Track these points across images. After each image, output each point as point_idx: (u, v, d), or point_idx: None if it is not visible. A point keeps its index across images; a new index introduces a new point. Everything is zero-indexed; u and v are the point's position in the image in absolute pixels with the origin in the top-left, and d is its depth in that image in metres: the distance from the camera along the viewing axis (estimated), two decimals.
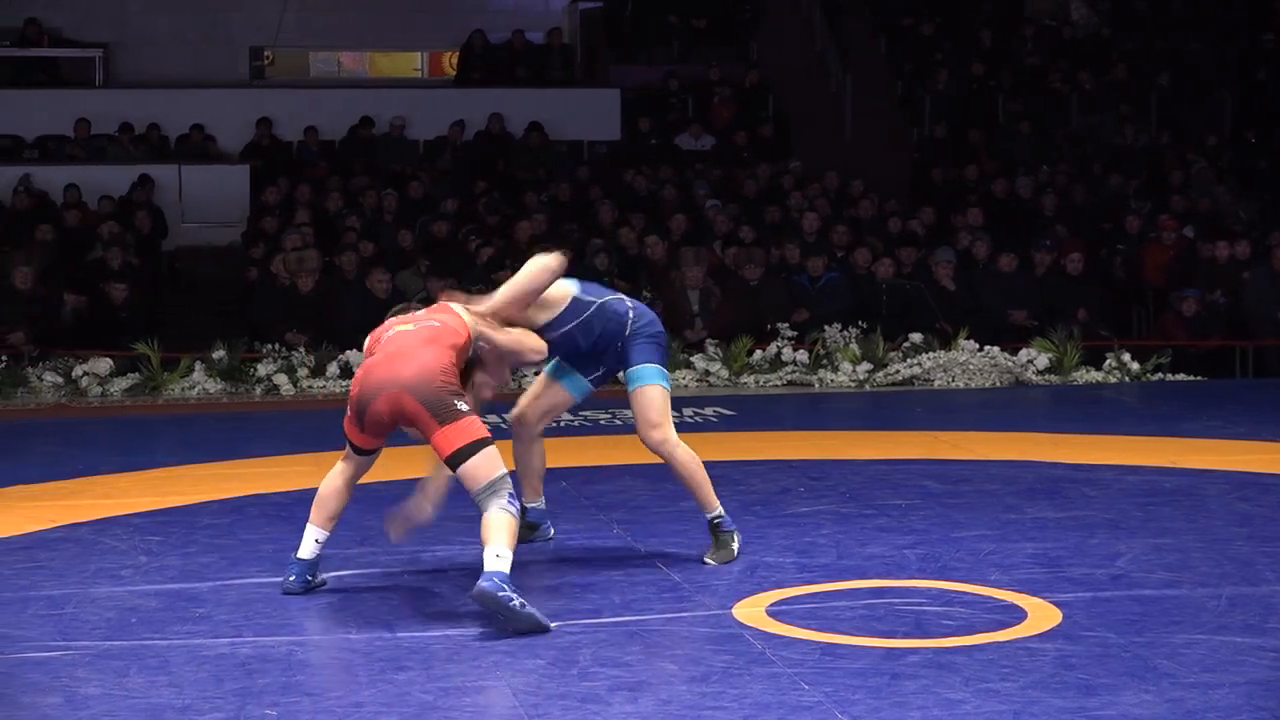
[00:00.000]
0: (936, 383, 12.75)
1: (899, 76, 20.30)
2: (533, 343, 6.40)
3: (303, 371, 12.67)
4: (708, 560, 6.59)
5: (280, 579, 6.27)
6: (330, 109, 18.92)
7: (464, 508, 7.55)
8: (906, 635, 5.52)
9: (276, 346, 12.93)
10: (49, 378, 12.48)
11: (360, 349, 12.59)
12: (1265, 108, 19.73)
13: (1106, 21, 21.15)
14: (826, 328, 13.22)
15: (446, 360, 5.97)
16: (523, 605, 5.57)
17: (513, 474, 6.01)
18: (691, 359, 12.98)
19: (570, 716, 4.77)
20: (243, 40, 21.30)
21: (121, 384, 12.51)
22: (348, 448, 6.24)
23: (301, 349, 12.89)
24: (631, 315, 6.67)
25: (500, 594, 5.54)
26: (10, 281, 13.54)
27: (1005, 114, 19.54)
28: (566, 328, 6.57)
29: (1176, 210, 16.83)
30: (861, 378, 12.79)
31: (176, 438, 10.37)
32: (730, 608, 5.89)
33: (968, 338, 13.06)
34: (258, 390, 12.59)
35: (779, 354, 13.03)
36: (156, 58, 20.79)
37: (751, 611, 5.83)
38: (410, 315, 6.29)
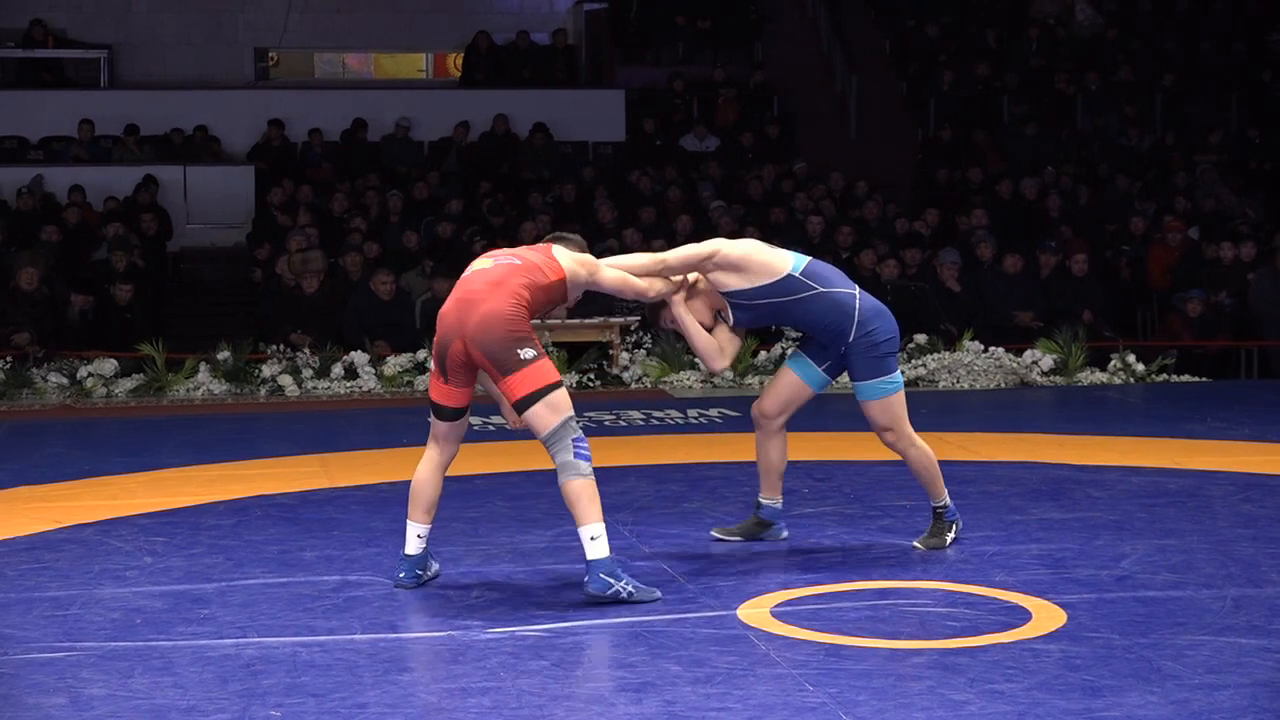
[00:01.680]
0: (941, 384, 12.75)
1: (904, 77, 20.31)
2: (636, 284, 6.37)
3: (307, 372, 12.68)
4: (916, 544, 6.80)
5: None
6: (335, 110, 18.94)
7: (467, 509, 7.56)
8: (911, 636, 5.52)
9: (281, 347, 12.94)
10: (54, 378, 12.50)
11: (365, 350, 12.76)
12: (1270, 108, 19.73)
13: (1111, 22, 21.14)
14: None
15: (512, 304, 5.92)
16: (631, 594, 5.83)
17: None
18: (696, 360, 12.98)
19: (575, 717, 4.76)
20: (248, 41, 21.33)
21: (126, 385, 12.53)
22: (431, 425, 6.22)
23: (306, 350, 12.90)
24: (857, 317, 6.53)
25: (607, 592, 5.80)
26: (15, 282, 13.55)
27: (1010, 115, 19.54)
28: (762, 301, 6.49)
29: (1182, 211, 16.83)
30: None
31: (181, 439, 10.37)
32: (735, 609, 5.89)
33: (973, 339, 13.06)
34: (262, 391, 12.60)
35: (784, 355, 13.03)
36: (161, 59, 20.83)
37: (756, 613, 5.83)
38: (495, 252, 6.25)
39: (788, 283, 6.48)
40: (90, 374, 12.55)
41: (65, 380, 12.52)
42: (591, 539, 5.84)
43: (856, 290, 6.62)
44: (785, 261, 6.51)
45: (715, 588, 6.22)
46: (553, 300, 6.17)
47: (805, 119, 19.74)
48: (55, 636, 5.64)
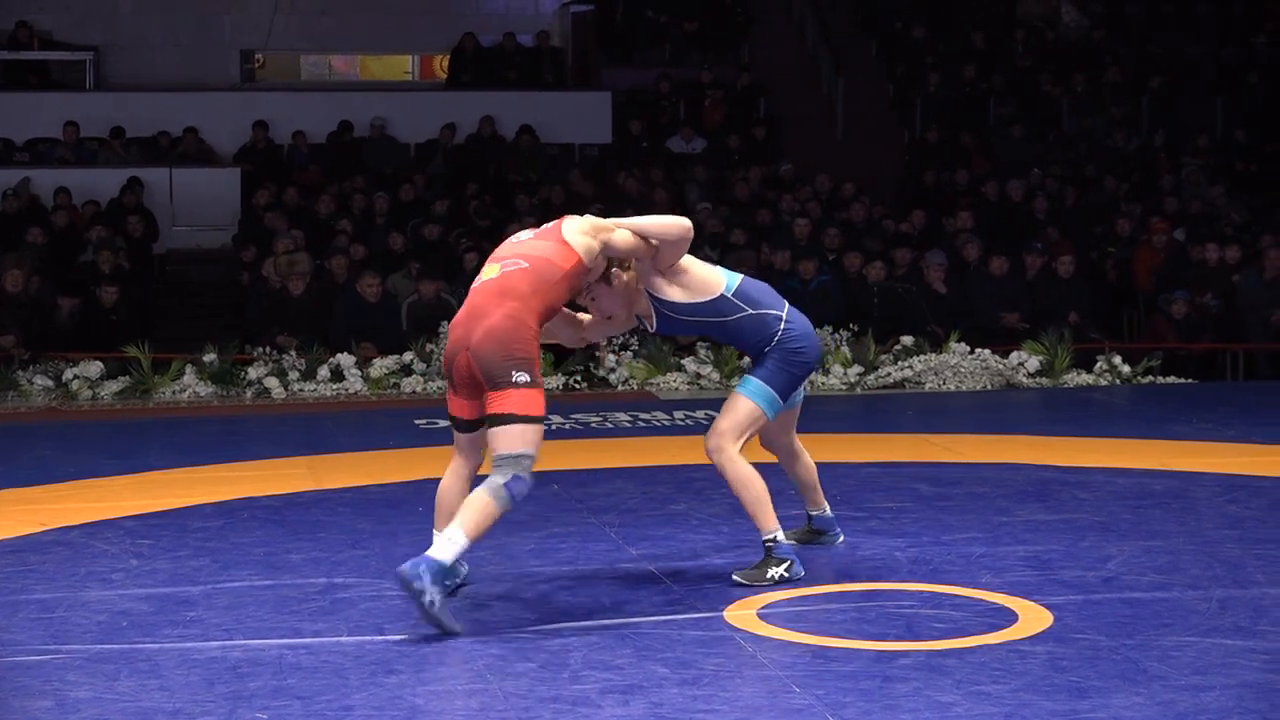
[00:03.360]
0: (928, 385, 12.76)
1: (891, 79, 20.33)
2: (670, 228, 6.11)
3: (294, 374, 12.67)
4: (736, 576, 6.27)
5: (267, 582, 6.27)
6: (321, 112, 18.92)
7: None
8: (898, 638, 5.52)
9: (267, 349, 12.92)
10: (40, 381, 12.47)
11: (351, 352, 12.75)
12: (1257, 111, 19.77)
13: (1098, 24, 21.18)
14: (818, 331, 13.20)
15: (521, 317, 5.75)
16: (432, 604, 5.48)
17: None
18: (682, 362, 12.98)
19: None
20: (234, 43, 21.30)
21: (112, 387, 12.51)
22: (454, 437, 6.10)
23: (292, 352, 12.89)
24: (782, 330, 6.33)
25: (415, 583, 5.47)
26: (0, 285, 13.52)
27: (997, 117, 19.57)
28: (691, 319, 6.32)
29: (1168, 213, 16.86)
30: (853, 380, 12.79)
31: (167, 441, 10.35)
32: (721, 611, 5.89)
33: (959, 340, 13.07)
34: (249, 393, 12.59)
35: None
36: (148, 60, 20.79)
37: (743, 614, 5.83)
38: (502, 253, 6.00)
39: (719, 304, 6.28)
40: (76, 376, 12.53)
41: (51, 382, 12.50)
42: (449, 539, 5.58)
43: (785, 308, 6.42)
44: (719, 280, 6.32)
45: (702, 589, 6.21)
46: (575, 288, 6.00)
47: (792, 120, 19.75)
48: (41, 639, 5.63)
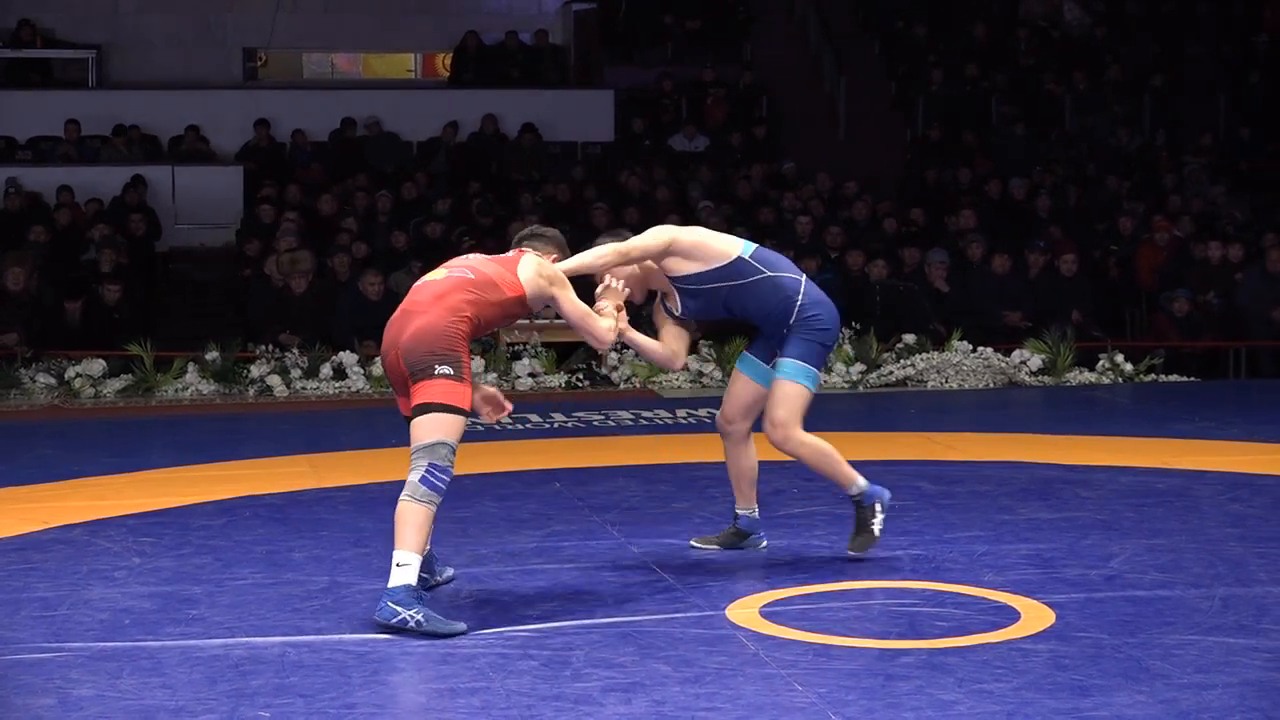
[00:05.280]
0: (930, 384, 12.76)
1: (893, 78, 20.31)
2: (596, 327, 6.13)
3: (296, 373, 12.67)
4: (851, 551, 6.61)
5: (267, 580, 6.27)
6: (323, 110, 18.91)
7: (455, 510, 7.55)
8: (900, 636, 5.52)
9: (270, 348, 12.92)
10: (42, 379, 12.48)
11: (353, 350, 12.76)
12: (1259, 109, 19.76)
13: (1100, 22, 21.17)
14: None
15: (448, 321, 5.72)
16: (420, 624, 5.51)
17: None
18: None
19: (564, 718, 4.76)
20: (236, 41, 21.28)
21: (114, 385, 12.51)
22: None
23: (295, 350, 12.89)
24: (800, 300, 6.49)
25: (393, 620, 5.52)
26: (2, 283, 13.52)
27: (999, 115, 19.55)
28: (713, 285, 6.44)
29: (1170, 211, 16.85)
30: (855, 378, 12.79)
31: (169, 439, 10.36)
32: (723, 609, 5.89)
33: (961, 339, 13.07)
34: (251, 391, 12.59)
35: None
36: (150, 59, 20.78)
37: (745, 612, 5.83)
38: (452, 262, 6.02)
39: (737, 265, 6.45)
40: (78, 374, 12.53)
41: (53, 381, 12.50)
42: (398, 565, 5.56)
43: (803, 277, 6.59)
44: (734, 245, 6.50)
45: (704, 588, 6.22)
46: (509, 315, 5.98)
47: (794, 119, 19.74)
48: (44, 637, 5.63)
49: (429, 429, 5.64)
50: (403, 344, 5.74)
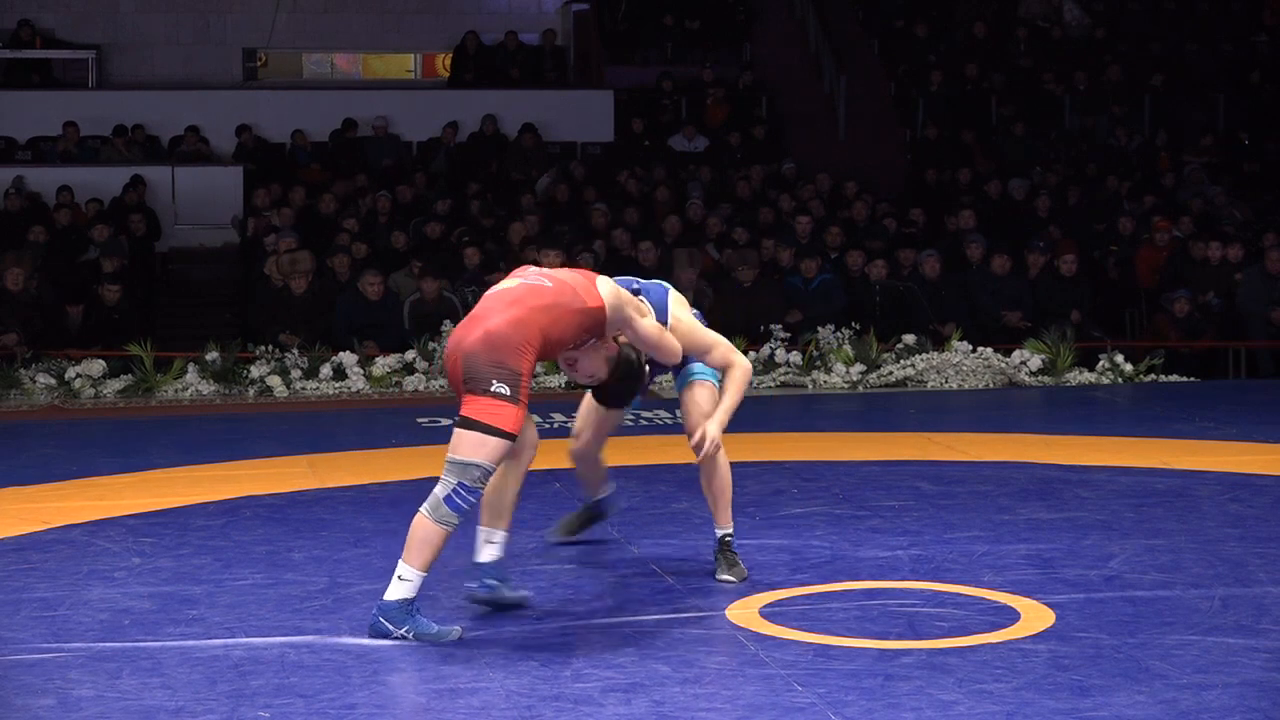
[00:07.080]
0: (930, 384, 12.76)
1: (892, 78, 20.31)
2: (673, 344, 6.02)
3: (296, 373, 12.67)
4: (719, 577, 6.33)
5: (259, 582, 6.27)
6: (323, 111, 18.91)
7: None
8: (900, 636, 5.53)
9: (270, 348, 12.92)
10: (42, 379, 12.47)
11: (353, 350, 12.75)
12: (1258, 109, 19.76)
13: (1099, 22, 21.17)
14: (820, 329, 13.21)
15: (521, 330, 5.51)
16: (411, 636, 5.50)
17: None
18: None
19: (564, 718, 4.77)
20: (236, 42, 21.30)
21: (114, 385, 12.50)
22: None
23: (294, 350, 12.88)
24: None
25: (387, 636, 5.52)
26: (2, 283, 13.52)
27: (999, 115, 19.55)
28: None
29: (1170, 211, 16.85)
30: (855, 379, 12.79)
31: (169, 439, 10.35)
32: (723, 609, 5.89)
33: (961, 339, 13.07)
34: (251, 392, 12.58)
35: (772, 355, 13.03)
36: (150, 59, 20.80)
37: (745, 613, 5.84)
38: (525, 270, 5.85)
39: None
40: (78, 375, 12.53)
41: (53, 381, 12.50)
42: (400, 578, 5.53)
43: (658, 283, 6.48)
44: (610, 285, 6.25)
45: (704, 588, 6.22)
46: (586, 329, 5.67)
47: (794, 119, 19.74)
48: (43, 637, 5.63)
49: (470, 447, 5.48)
50: (465, 349, 5.54)
